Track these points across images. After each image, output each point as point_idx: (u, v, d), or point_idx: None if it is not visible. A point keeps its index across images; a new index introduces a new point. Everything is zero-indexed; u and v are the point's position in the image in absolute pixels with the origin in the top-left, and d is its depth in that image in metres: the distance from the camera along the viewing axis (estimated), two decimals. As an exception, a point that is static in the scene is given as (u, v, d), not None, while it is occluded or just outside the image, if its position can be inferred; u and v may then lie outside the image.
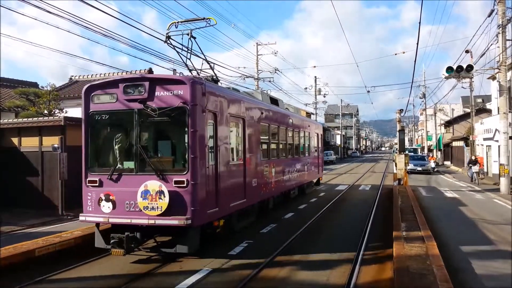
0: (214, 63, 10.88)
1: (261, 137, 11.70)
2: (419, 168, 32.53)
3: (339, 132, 76.62)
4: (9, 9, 11.80)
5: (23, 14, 11.01)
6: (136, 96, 8.04)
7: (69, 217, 13.89)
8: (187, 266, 7.44)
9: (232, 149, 9.72)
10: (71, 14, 10.93)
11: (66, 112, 18.19)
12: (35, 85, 23.70)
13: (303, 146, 17.67)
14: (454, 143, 44.35)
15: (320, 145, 21.65)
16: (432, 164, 36.71)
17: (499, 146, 19.58)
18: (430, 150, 53.51)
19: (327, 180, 24.72)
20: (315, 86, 51.06)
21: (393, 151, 73.05)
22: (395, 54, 34.00)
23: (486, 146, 28.27)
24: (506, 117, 18.68)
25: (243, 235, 9.89)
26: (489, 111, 35.11)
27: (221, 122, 8.92)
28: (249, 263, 7.50)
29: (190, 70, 10.05)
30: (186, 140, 7.84)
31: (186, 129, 7.80)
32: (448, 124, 51.18)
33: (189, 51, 9.80)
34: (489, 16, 18.77)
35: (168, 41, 9.77)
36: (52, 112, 17.67)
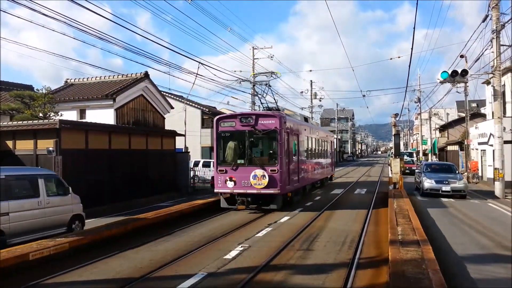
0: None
1: (304, 145, 17.98)
2: (447, 188, 18.29)
3: (335, 136, 76.69)
4: (3, 11, 11.76)
5: (18, 16, 10.99)
6: (247, 123, 14.32)
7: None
8: (182, 270, 7.40)
9: (294, 152, 15.74)
10: (65, 16, 10.92)
11: (61, 115, 18.11)
12: (30, 88, 23.60)
13: (324, 150, 23.68)
14: (449, 147, 44.54)
15: (333, 150, 27.56)
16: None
17: (493, 150, 19.72)
18: (425, 154, 53.70)
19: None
20: (311, 90, 51.22)
21: (388, 155, 73.17)
22: (391, 59, 34.23)
23: (481, 150, 28.42)
24: (500, 122, 18.81)
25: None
26: (483, 116, 35.32)
27: (290, 137, 15.14)
28: (243, 268, 7.48)
29: (261, 103, 17.53)
30: (276, 147, 14.14)
31: (276, 141, 14.11)
32: (443, 128, 51.41)
33: (265, 93, 18.18)
34: (483, 21, 18.94)
35: (253, 88, 17.10)
36: (47, 115, 17.58)
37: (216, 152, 14.82)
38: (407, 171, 35.08)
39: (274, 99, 18.77)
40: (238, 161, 14.37)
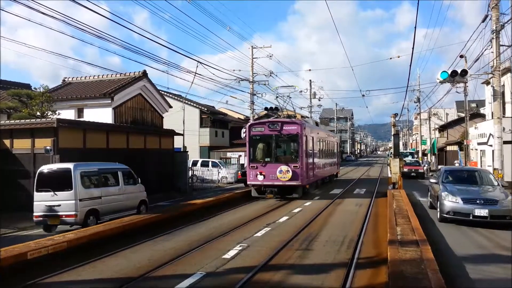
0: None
1: (317, 146, 21.18)
2: (482, 213, 11.02)
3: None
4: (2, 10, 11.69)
5: (15, 14, 10.94)
6: (274, 129, 17.72)
7: (61, 220, 13.73)
8: (181, 270, 7.37)
9: (310, 153, 19.02)
10: (62, 14, 10.86)
11: (59, 114, 18.03)
12: (27, 86, 23.51)
13: (331, 151, 27.22)
14: (448, 148, 44.54)
15: (338, 150, 31.53)
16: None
17: (493, 150, 19.66)
18: (424, 154, 53.68)
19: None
20: (310, 90, 51.13)
21: (388, 155, 73.02)
22: (390, 59, 34.18)
23: (480, 150, 28.41)
24: (500, 122, 18.77)
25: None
26: (483, 116, 35.31)
27: (308, 139, 18.51)
28: (242, 268, 7.45)
29: (283, 110, 22.89)
30: (297, 148, 17.59)
31: (298, 143, 17.56)
32: (442, 128, 51.40)
33: (286, 104, 24.59)
34: (483, 21, 18.88)
35: (277, 99, 24.30)
36: (45, 114, 17.50)
37: (248, 152, 18.31)
38: (412, 174, 31.44)
39: (293, 108, 25.00)
40: (267, 159, 17.63)
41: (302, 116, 48.32)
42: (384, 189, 21.10)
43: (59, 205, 11.18)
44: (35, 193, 11.52)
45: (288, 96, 23.65)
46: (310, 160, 19.07)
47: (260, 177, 17.32)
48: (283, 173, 16.95)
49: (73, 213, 11.10)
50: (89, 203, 11.54)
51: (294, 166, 17.06)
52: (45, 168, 11.73)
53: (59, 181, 11.32)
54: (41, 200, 11.33)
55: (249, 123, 19.20)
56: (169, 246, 9.37)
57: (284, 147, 18.41)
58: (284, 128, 17.65)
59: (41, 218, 11.34)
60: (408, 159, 37.03)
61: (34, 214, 11.44)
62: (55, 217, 11.23)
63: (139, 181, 13.88)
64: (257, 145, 17.91)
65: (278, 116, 23.80)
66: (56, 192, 11.23)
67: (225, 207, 15.66)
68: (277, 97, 24.36)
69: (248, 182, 18.19)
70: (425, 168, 35.98)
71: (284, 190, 17.55)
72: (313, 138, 19.83)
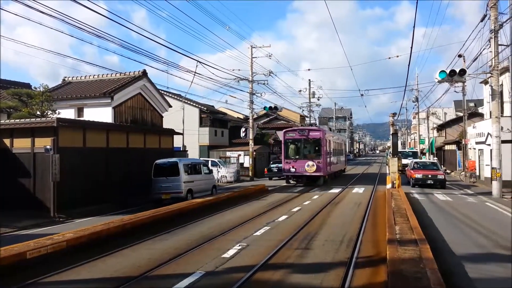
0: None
1: (332, 147, 27.61)
2: None
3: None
4: None
5: (13, 13, 10.93)
6: (303, 134, 24.93)
7: (61, 219, 13.75)
8: (181, 269, 7.39)
9: (328, 152, 25.35)
10: (61, 13, 10.87)
11: (59, 114, 18.02)
12: (27, 86, 23.48)
13: (341, 150, 33.57)
14: (447, 147, 44.60)
15: (345, 150, 38.60)
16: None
17: (491, 150, 19.72)
18: (423, 153, 53.75)
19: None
20: (309, 89, 51.09)
21: (386, 154, 72.96)
22: (389, 58, 34.25)
23: (478, 150, 28.43)
24: (498, 121, 18.82)
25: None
26: (481, 115, 35.37)
27: (327, 142, 25.46)
28: (241, 267, 7.47)
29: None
30: (320, 148, 24.44)
31: (320, 145, 24.48)
32: (440, 127, 51.47)
33: (310, 116, 45.69)
34: (481, 21, 18.92)
35: (302, 111, 45.04)
36: (45, 114, 17.49)
37: (283, 151, 25.09)
38: (429, 181, 22.88)
39: (315, 119, 35.25)
40: (297, 156, 24.36)
41: (302, 116, 48.42)
42: (383, 187, 21.15)
43: (170, 186, 16.41)
44: (153, 178, 16.68)
45: (311, 110, 39.70)
46: (328, 158, 25.56)
47: (292, 170, 24.07)
48: (309, 167, 23.55)
49: (180, 190, 16.40)
50: (188, 184, 16.78)
51: (317, 162, 23.64)
52: (159, 162, 16.99)
53: (170, 170, 16.63)
54: (157, 183, 16.58)
55: (284, 130, 26.15)
56: (169, 245, 9.39)
57: (310, 147, 24.65)
58: (310, 133, 24.63)
59: (157, 195, 16.40)
60: (423, 160, 32.31)
61: (152, 192, 16.69)
62: (167, 193, 16.36)
63: (212, 171, 20.17)
64: (290, 146, 24.87)
65: (278, 115, 29.66)
66: (167, 177, 16.47)
67: (224, 206, 15.73)
68: (302, 110, 39.91)
69: (283, 173, 25.59)
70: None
71: (310, 179, 24.19)
72: (330, 141, 26.57)
